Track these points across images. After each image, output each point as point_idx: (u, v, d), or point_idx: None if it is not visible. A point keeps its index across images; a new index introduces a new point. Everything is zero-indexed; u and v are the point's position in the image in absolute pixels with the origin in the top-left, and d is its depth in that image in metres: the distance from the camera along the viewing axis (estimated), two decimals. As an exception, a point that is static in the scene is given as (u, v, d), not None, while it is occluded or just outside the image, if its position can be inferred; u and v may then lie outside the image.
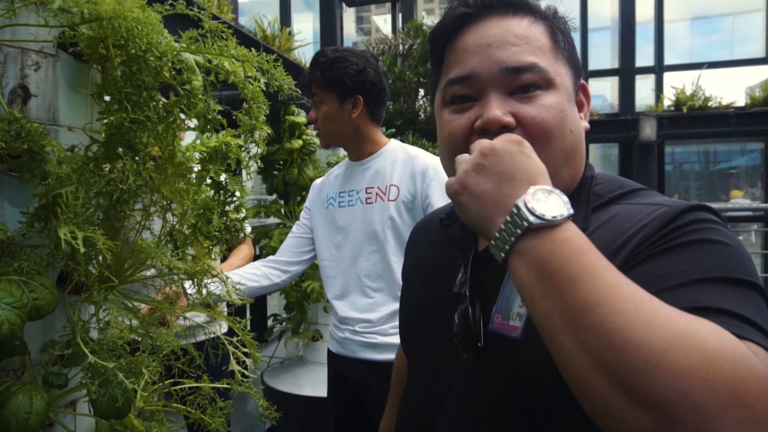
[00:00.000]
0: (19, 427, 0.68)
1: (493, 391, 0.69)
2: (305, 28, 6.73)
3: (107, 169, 0.83)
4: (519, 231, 0.52)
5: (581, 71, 0.77)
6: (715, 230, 0.59)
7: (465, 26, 0.74)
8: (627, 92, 7.01)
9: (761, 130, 6.29)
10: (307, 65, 3.65)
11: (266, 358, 3.80)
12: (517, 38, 0.70)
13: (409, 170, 1.61)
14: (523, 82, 0.69)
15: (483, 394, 0.70)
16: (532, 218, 0.52)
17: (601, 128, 6.58)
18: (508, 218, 0.54)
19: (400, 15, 7.27)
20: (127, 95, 0.78)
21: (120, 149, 0.80)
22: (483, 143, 0.60)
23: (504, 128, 0.67)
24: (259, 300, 4.14)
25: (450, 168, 0.74)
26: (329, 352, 1.78)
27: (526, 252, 0.52)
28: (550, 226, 0.51)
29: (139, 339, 0.89)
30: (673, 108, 6.37)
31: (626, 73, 6.98)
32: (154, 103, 0.81)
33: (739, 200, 7.54)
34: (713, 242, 0.58)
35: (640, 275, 0.54)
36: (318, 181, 1.91)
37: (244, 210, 0.94)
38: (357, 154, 1.73)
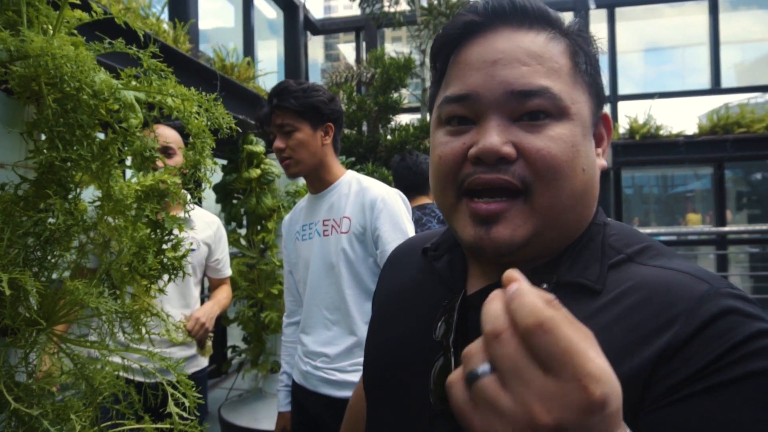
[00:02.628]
0: (-69, 482, 0.65)
1: None
2: (270, 55, 6.77)
3: (44, 207, 0.82)
4: None
5: (604, 100, 0.66)
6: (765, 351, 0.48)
7: (471, 37, 0.63)
8: (584, 120, 7.23)
9: (709, 157, 6.58)
10: (268, 94, 3.66)
11: (224, 390, 3.71)
12: (529, 56, 0.60)
13: (360, 202, 1.62)
14: (530, 108, 0.59)
15: None
16: None
17: (560, 155, 6.76)
18: None
19: (364, 44, 7.39)
20: (59, 133, 0.76)
21: (51, 188, 0.78)
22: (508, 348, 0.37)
23: (502, 160, 0.58)
24: (218, 331, 4.05)
25: (439, 193, 0.66)
26: (293, 382, 1.76)
27: None
28: None
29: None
30: (627, 136, 6.61)
31: (583, 101, 7.22)
32: (89, 141, 0.80)
33: (696, 227, 7.80)
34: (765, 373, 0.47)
35: (674, 420, 0.47)
36: (287, 217, 1.92)
37: (183, 248, 0.92)
38: (316, 187, 1.74)
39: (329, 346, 1.62)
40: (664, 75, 8.72)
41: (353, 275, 1.59)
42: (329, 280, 1.64)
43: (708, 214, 7.70)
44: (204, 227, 2.13)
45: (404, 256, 0.90)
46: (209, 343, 1.90)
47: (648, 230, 8.01)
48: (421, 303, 0.74)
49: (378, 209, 1.58)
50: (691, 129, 6.55)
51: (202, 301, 2.21)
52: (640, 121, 6.55)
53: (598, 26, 7.34)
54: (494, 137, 0.58)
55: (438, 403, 0.59)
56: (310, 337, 1.69)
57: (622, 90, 7.41)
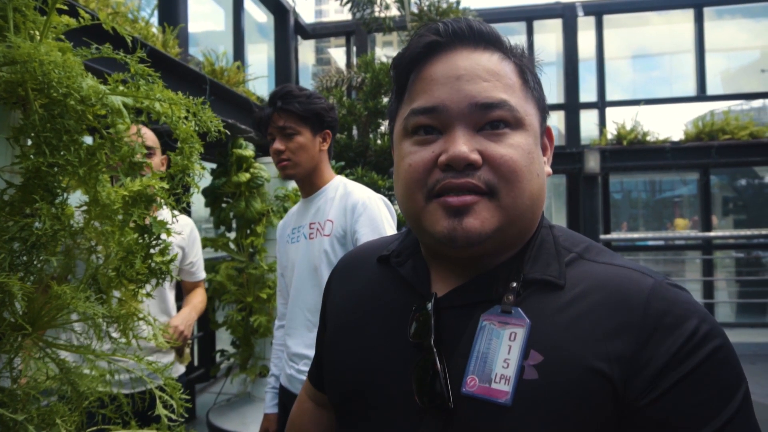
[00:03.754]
0: None
1: None
2: (260, 59, 6.77)
3: (30, 212, 0.82)
4: None
5: (547, 114, 0.75)
6: (709, 335, 0.58)
7: (433, 55, 0.70)
8: (572, 126, 7.30)
9: (694, 163, 6.66)
10: (259, 98, 3.66)
11: (213, 394, 3.69)
12: (488, 73, 0.67)
13: (342, 205, 1.65)
14: (491, 119, 0.65)
15: None
16: None
17: (548, 160, 6.82)
18: None
19: (355, 48, 7.41)
20: (46, 139, 0.77)
21: (38, 193, 0.79)
22: None
23: (469, 166, 0.64)
24: (207, 335, 4.03)
25: (406, 199, 0.70)
26: (281, 386, 1.77)
27: None
28: None
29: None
30: (614, 141, 6.68)
31: (571, 108, 7.29)
32: (76, 147, 0.80)
33: (683, 232, 7.88)
34: (713, 356, 0.57)
35: (665, 415, 0.56)
36: (281, 222, 1.94)
37: (170, 252, 0.92)
38: (307, 190, 1.77)
39: (312, 348, 1.63)
40: (651, 82, 8.81)
41: None
42: (312, 282, 1.66)
43: (693, 219, 7.78)
44: (177, 229, 2.09)
45: (355, 265, 0.91)
46: (187, 350, 1.88)
47: (636, 235, 8.09)
48: (385, 308, 0.77)
49: (358, 212, 1.60)
50: (677, 135, 6.64)
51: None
52: (628, 127, 6.63)
53: (586, 33, 7.42)
54: (463, 146, 0.64)
55: (425, 402, 0.63)
56: (293, 339, 1.70)
57: (610, 96, 7.49)
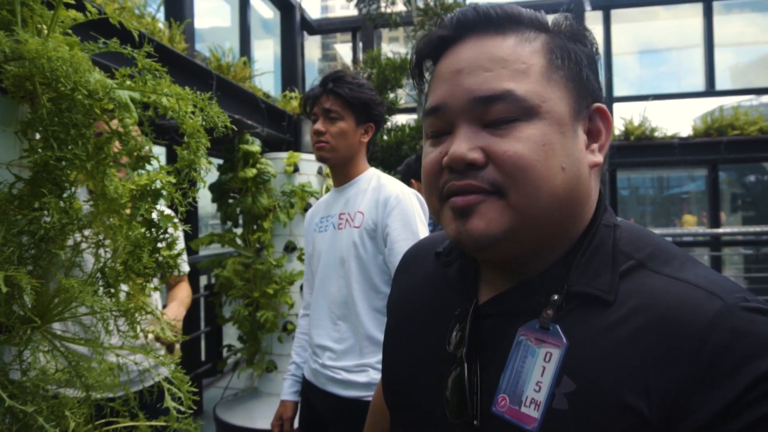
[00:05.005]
0: (-75, 478, 0.65)
1: None
2: (266, 54, 6.77)
3: (39, 206, 0.82)
4: None
5: (595, 93, 0.64)
6: None
7: (444, 50, 0.66)
8: (579, 121, 7.26)
9: (703, 159, 6.61)
10: (265, 94, 3.66)
11: (220, 389, 3.71)
12: (493, 61, 0.60)
13: (375, 198, 1.63)
14: (495, 113, 0.59)
15: None
16: None
17: (555, 156, 6.79)
18: None
19: (361, 44, 7.40)
20: (54, 133, 0.77)
21: (46, 187, 0.79)
22: None
23: (471, 166, 0.59)
24: (214, 330, 4.05)
25: (428, 201, 0.67)
26: (303, 378, 1.77)
27: None
28: None
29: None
30: (622, 137, 6.64)
31: (578, 103, 7.25)
32: (83, 141, 0.80)
33: (691, 228, 7.84)
34: None
35: None
36: (310, 211, 1.93)
37: (178, 246, 0.93)
38: (340, 179, 1.76)
39: (337, 342, 1.63)
40: (659, 77, 8.76)
41: (362, 271, 1.60)
42: (338, 274, 1.64)
43: (703, 215, 7.74)
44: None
45: (416, 258, 0.88)
46: (177, 346, 1.87)
47: (643, 231, 8.04)
48: (434, 311, 0.73)
49: (390, 206, 1.58)
50: (685, 131, 6.58)
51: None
52: (635, 123, 6.58)
53: (593, 28, 7.37)
54: (461, 145, 0.59)
55: (454, 417, 0.60)
56: (317, 330, 1.69)
57: (618, 92, 7.44)
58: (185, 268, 2.12)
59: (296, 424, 1.79)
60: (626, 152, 6.54)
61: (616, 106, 7.36)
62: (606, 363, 0.53)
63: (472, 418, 0.59)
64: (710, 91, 7.14)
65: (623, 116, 6.76)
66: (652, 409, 0.49)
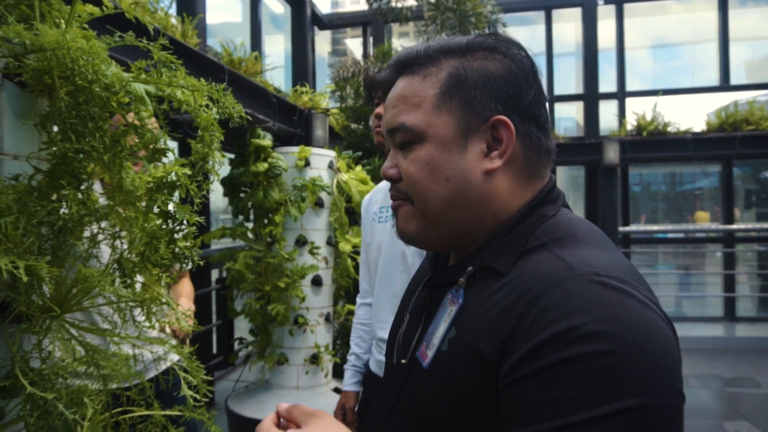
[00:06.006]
0: (-50, 462, 0.67)
1: (404, 407, 0.75)
2: (276, 49, 6.78)
3: (57, 197, 0.83)
4: None
5: (494, 109, 0.73)
6: (597, 336, 0.54)
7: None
8: (591, 117, 7.21)
9: (717, 154, 6.54)
10: (276, 88, 3.67)
11: (231, 381, 3.74)
12: (398, 100, 0.76)
13: None
14: (398, 140, 0.76)
15: (399, 408, 0.76)
16: None
17: (567, 151, 6.74)
18: None
19: (372, 39, 7.39)
20: (72, 125, 0.78)
21: (64, 179, 0.80)
22: None
23: (391, 179, 0.78)
24: (225, 323, 4.08)
25: None
26: (369, 370, 1.78)
27: None
28: None
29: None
30: (634, 132, 6.58)
31: (590, 98, 7.19)
32: (101, 133, 0.81)
33: (704, 224, 7.77)
34: (590, 357, 0.53)
35: (510, 402, 0.58)
36: (366, 196, 1.92)
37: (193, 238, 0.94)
38: None
39: None
40: (672, 71, 8.66)
41: None
42: (401, 268, 1.63)
43: (716, 211, 7.66)
44: None
45: None
46: (187, 341, 1.89)
47: (656, 227, 8.00)
48: (417, 282, 0.91)
49: None
50: (699, 126, 6.51)
51: None
52: (648, 118, 6.52)
53: (606, 22, 7.31)
54: (386, 163, 0.79)
55: (397, 359, 0.81)
56: (381, 324, 1.68)
57: (630, 86, 7.38)
58: (189, 264, 2.13)
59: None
60: (638, 148, 6.48)
61: (628, 101, 7.29)
62: (479, 318, 0.66)
63: (401, 358, 0.78)
64: (725, 85, 7.06)
65: (635, 111, 6.70)
66: (492, 352, 0.61)
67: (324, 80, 7.47)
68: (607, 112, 7.40)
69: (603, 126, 7.25)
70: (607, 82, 7.36)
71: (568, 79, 7.90)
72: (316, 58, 7.06)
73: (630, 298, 0.57)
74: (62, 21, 0.86)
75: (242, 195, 3.14)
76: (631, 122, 6.68)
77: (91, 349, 0.92)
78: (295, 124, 3.80)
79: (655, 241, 8.18)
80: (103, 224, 0.93)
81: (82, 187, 0.83)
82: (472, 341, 0.65)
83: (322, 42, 8.32)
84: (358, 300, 1.91)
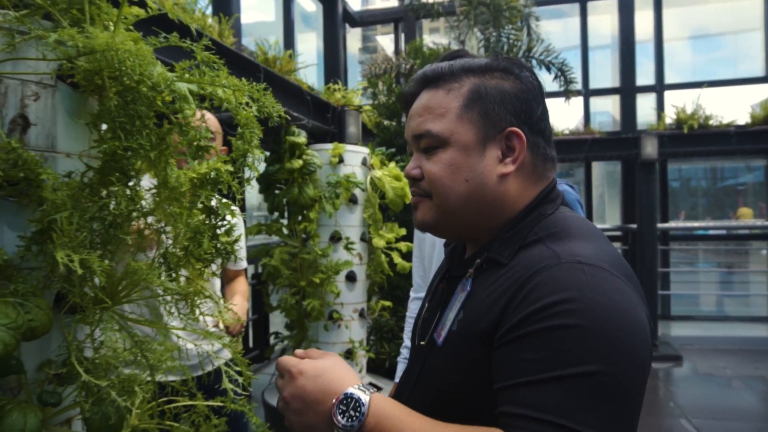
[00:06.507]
0: (12, 444, 0.71)
1: (424, 384, 0.86)
2: (308, 47, 6.84)
3: (105, 193, 0.87)
4: None
5: (509, 121, 0.84)
6: (569, 312, 0.66)
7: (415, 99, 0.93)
8: (628, 110, 7.05)
9: (762, 148, 6.30)
10: (309, 87, 3.70)
11: (267, 375, 3.80)
12: (424, 109, 0.87)
13: None
14: (423, 145, 0.87)
15: (419, 385, 0.87)
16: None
17: (603, 146, 6.61)
18: None
19: (403, 35, 7.38)
20: (121, 124, 0.81)
21: (114, 175, 0.83)
22: (284, 392, 0.81)
23: (413, 178, 0.88)
24: (261, 318, 4.15)
25: None
26: None
27: None
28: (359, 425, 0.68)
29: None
30: (674, 126, 6.40)
31: (627, 91, 7.03)
32: (147, 131, 0.84)
33: (747, 221, 7.51)
34: (561, 329, 0.65)
35: (497, 362, 0.70)
36: None
37: (235, 233, 0.97)
38: None
39: None
40: (713, 63, 8.40)
41: None
42: None
43: (761, 207, 7.40)
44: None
45: None
46: (239, 337, 1.95)
47: (696, 224, 7.77)
48: (440, 273, 1.04)
49: None
50: (743, 118, 6.28)
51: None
52: (688, 111, 6.32)
53: (643, 13, 7.13)
54: (410, 164, 0.90)
55: (417, 341, 0.94)
56: None
57: (669, 79, 7.18)
58: (244, 264, 2.24)
59: None
60: (678, 142, 6.30)
61: (666, 93, 7.10)
62: (482, 302, 0.77)
63: (421, 340, 0.91)
64: (770, 76, 6.80)
65: (675, 104, 6.51)
66: (489, 327, 0.72)
67: (355, 77, 7.51)
68: (645, 106, 7.23)
69: (640, 120, 7.08)
70: (644, 75, 7.19)
71: (603, 72, 7.74)
72: (347, 56, 7.09)
73: (604, 282, 0.68)
74: (111, 23, 0.90)
75: (277, 192, 3.18)
76: (670, 116, 6.50)
77: (139, 340, 0.95)
78: (328, 122, 3.84)
79: (696, 238, 7.95)
80: (149, 219, 0.96)
81: (130, 184, 0.86)
82: (476, 320, 0.76)
83: (353, 39, 8.35)
84: (411, 294, 1.92)
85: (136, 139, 0.83)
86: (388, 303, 3.65)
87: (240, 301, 2.06)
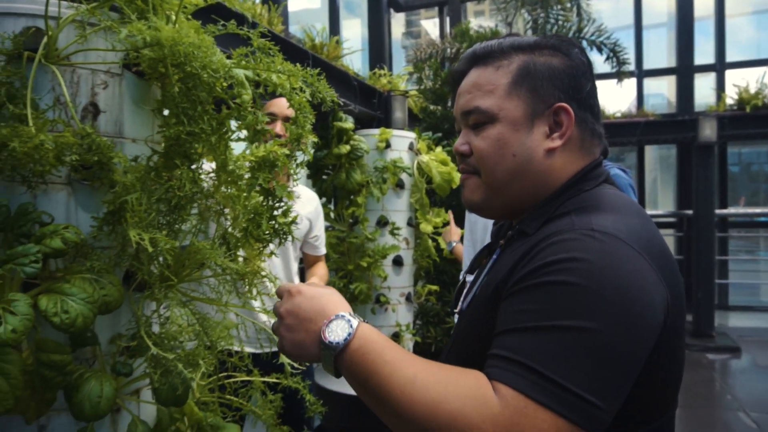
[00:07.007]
0: (92, 409, 0.76)
1: (456, 349, 0.89)
2: (352, 34, 6.85)
3: (167, 177, 0.91)
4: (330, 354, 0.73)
5: (557, 96, 0.85)
6: (570, 270, 0.67)
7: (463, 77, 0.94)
8: (685, 91, 6.76)
9: (832, 128, 5.93)
10: (355, 72, 3.72)
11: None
12: (472, 87, 0.88)
13: None
14: (471, 121, 0.88)
15: (452, 350, 0.90)
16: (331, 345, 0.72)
17: (657, 129, 6.37)
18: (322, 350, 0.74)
19: (448, 19, 7.29)
20: (184, 110, 0.85)
21: (178, 159, 0.87)
22: (280, 309, 0.80)
23: (462, 154, 0.90)
24: (309, 302, 4.23)
25: None
26: None
27: (340, 367, 0.73)
28: (344, 345, 0.71)
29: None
30: (735, 107, 6.09)
31: (684, 71, 6.74)
32: (208, 116, 0.88)
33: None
34: (558, 284, 0.67)
35: (499, 315, 0.73)
36: None
37: (291, 214, 1.00)
38: None
39: None
40: (779, 39, 7.90)
41: None
42: None
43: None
44: (306, 202, 2.14)
45: None
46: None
47: (758, 210, 7.41)
48: (490, 248, 1.06)
49: None
50: (811, 98, 5.92)
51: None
52: (752, 91, 6.00)
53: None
54: (458, 140, 0.91)
55: (451, 309, 1.05)
56: None
57: (731, 57, 6.84)
58: (323, 249, 2.33)
59: None
60: (739, 124, 6.01)
61: (728, 73, 6.77)
62: (502, 267, 0.79)
63: (454, 308, 0.99)
64: (842, 52, 6.37)
65: (736, 83, 6.19)
66: (502, 283, 0.76)
67: (399, 62, 7.47)
68: (702, 87, 6.91)
69: (697, 102, 6.78)
70: (703, 54, 6.87)
71: (658, 52, 7.45)
72: (392, 41, 7.06)
73: (613, 249, 0.69)
74: (172, 13, 0.93)
75: (325, 177, 3.23)
76: (731, 96, 6.19)
77: (200, 316, 1.00)
78: (374, 107, 3.84)
79: (757, 224, 7.59)
80: (209, 201, 1.00)
81: (193, 167, 0.90)
82: (493, 281, 0.79)
83: (396, 24, 8.30)
84: (462, 277, 1.94)
85: (197, 123, 0.86)
86: (434, 287, 3.66)
87: (316, 282, 2.14)
